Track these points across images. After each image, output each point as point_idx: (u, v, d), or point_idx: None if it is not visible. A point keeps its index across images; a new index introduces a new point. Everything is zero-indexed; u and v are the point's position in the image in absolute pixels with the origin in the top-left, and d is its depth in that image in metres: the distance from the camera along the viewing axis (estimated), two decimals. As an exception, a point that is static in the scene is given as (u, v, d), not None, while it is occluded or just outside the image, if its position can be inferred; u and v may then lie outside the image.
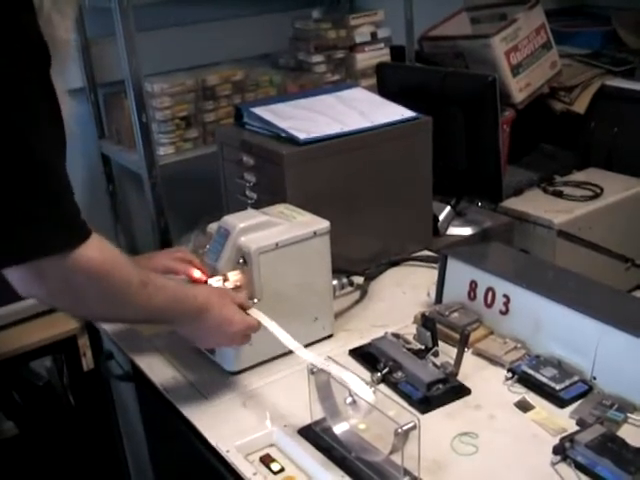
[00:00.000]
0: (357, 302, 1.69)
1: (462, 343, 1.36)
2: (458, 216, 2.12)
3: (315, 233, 1.43)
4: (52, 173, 1.05)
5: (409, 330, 1.50)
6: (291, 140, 1.66)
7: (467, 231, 2.09)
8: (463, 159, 2.05)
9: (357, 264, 1.75)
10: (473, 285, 1.49)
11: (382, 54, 2.69)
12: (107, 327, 1.64)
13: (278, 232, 1.41)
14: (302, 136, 1.65)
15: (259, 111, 1.76)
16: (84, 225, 1.08)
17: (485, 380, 1.36)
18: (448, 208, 2.08)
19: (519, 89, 2.70)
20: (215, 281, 1.40)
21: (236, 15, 2.68)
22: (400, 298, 1.69)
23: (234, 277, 1.40)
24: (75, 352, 1.84)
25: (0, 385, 2.10)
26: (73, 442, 2.00)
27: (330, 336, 1.54)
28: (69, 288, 1.10)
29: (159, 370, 1.47)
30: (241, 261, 1.37)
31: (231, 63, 2.50)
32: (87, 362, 1.89)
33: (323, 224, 1.45)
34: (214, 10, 2.63)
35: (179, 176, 2.29)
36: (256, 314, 1.34)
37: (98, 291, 1.11)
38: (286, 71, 2.56)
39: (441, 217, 2.06)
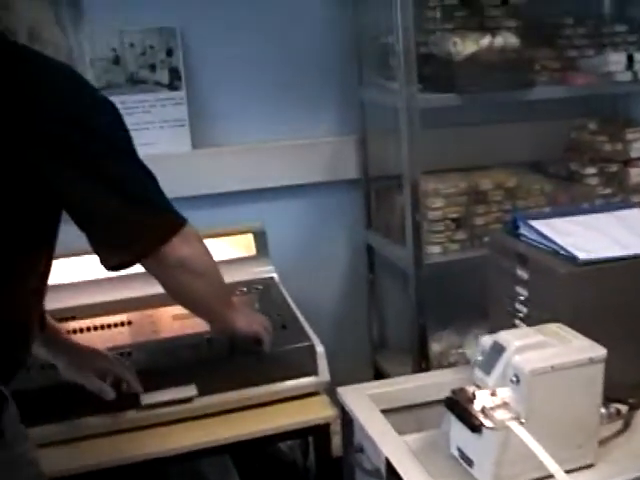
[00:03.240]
0: (619, 432, 1.61)
1: None
2: None
3: (591, 360, 1.39)
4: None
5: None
6: (569, 258, 1.64)
7: None
8: None
9: (621, 391, 1.67)
10: None
11: (655, 171, 2.60)
12: (362, 419, 1.66)
13: (553, 354, 1.39)
14: (582, 255, 1.62)
15: (537, 224, 1.75)
16: None
17: None
18: None
19: None
20: (482, 394, 1.39)
21: (512, 120, 2.70)
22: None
23: (503, 394, 1.38)
24: (325, 437, 1.87)
25: (247, 458, 2.19)
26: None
27: (591, 465, 1.48)
28: (193, 244, 1.47)
29: (413, 473, 1.47)
30: (514, 379, 1.36)
31: (501, 167, 2.51)
32: (334, 448, 1.92)
33: (600, 351, 1.41)
34: (490, 113, 2.66)
35: (441, 275, 2.31)
36: (521, 433, 1.33)
37: (205, 249, 1.52)
38: (557, 180, 2.53)
39: None
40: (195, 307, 1.62)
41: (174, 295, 1.56)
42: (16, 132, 1.26)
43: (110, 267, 1.42)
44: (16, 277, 1.35)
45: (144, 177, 1.39)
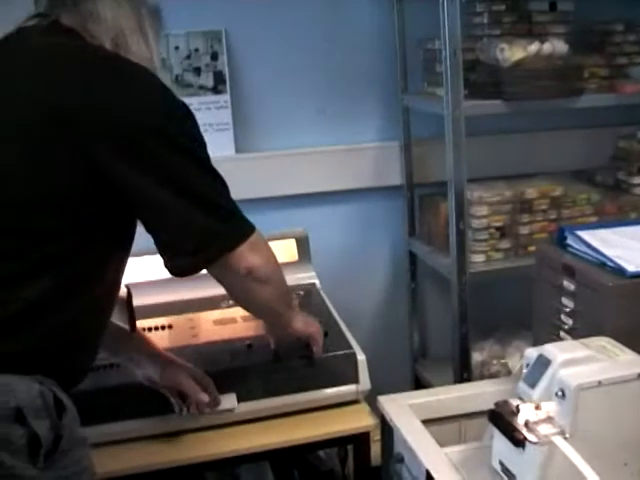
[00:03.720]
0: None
1: None
2: None
3: (639, 375, 1.36)
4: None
5: None
6: (617, 271, 1.60)
7: None
8: None
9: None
10: None
11: None
12: (403, 429, 1.64)
13: (600, 369, 1.35)
14: (630, 268, 1.59)
15: (585, 236, 1.72)
16: None
17: None
18: None
19: None
20: (526, 408, 1.37)
21: (558, 127, 2.67)
22: None
23: (547, 408, 1.36)
24: (365, 446, 1.85)
25: (284, 464, 2.18)
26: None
27: (637, 484, 1.45)
28: (260, 252, 1.44)
29: (454, 486, 1.45)
30: (559, 394, 1.33)
31: (546, 175, 2.48)
32: (373, 457, 1.90)
33: (648, 366, 1.37)
34: (537, 120, 2.64)
35: (484, 284, 2.28)
36: (566, 449, 1.30)
37: (272, 256, 1.50)
38: (604, 190, 2.49)
39: None
40: (258, 311, 1.64)
41: (238, 301, 1.58)
42: (95, 136, 1.27)
43: (174, 272, 1.42)
44: (84, 284, 1.35)
45: (216, 183, 1.39)
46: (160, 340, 1.94)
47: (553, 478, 1.34)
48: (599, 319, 1.59)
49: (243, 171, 2.44)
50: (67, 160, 1.27)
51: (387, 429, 1.75)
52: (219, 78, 2.41)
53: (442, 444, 1.59)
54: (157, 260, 2.15)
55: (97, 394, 1.73)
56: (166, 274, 2.13)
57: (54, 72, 1.30)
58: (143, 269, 2.11)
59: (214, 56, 2.39)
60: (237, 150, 2.47)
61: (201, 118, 2.36)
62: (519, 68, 2.16)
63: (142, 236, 2.21)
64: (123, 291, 1.61)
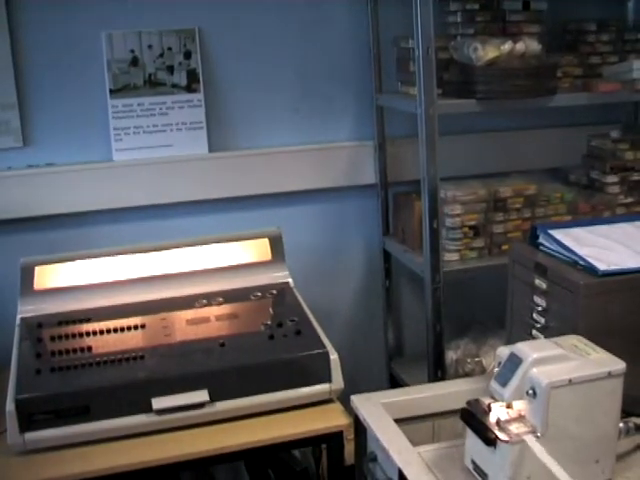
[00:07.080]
0: (638, 447, 1.58)
1: None
2: None
3: (610, 374, 1.37)
4: None
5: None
6: (589, 269, 1.61)
7: None
8: None
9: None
10: None
11: (680, 180, 2.56)
12: (375, 428, 1.65)
13: (572, 368, 1.36)
14: (602, 267, 1.60)
15: (558, 234, 1.73)
16: None
17: None
18: None
19: None
20: (497, 406, 1.37)
21: (532, 126, 2.68)
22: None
23: (519, 407, 1.36)
24: (339, 445, 1.85)
25: (259, 464, 2.18)
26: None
27: (608, 481, 1.46)
28: None
29: (426, 485, 1.45)
30: (530, 392, 1.34)
31: (520, 174, 2.49)
32: (347, 456, 1.90)
33: (619, 365, 1.38)
34: (511, 119, 2.65)
35: (458, 283, 2.28)
36: (536, 448, 1.31)
37: None
38: (578, 188, 2.50)
39: None
40: None
41: None
42: None
43: None
44: None
45: None
46: (133, 340, 1.93)
47: (525, 477, 1.35)
48: (571, 318, 1.60)
49: (216, 170, 2.43)
50: None
51: (360, 428, 1.75)
52: (192, 77, 2.39)
53: (415, 443, 1.59)
54: (130, 260, 2.14)
55: (68, 395, 1.73)
56: (139, 273, 2.14)
57: None
58: (116, 269, 2.10)
59: (187, 54, 2.38)
60: (210, 149, 2.45)
61: (174, 117, 2.40)
62: (492, 67, 2.16)
63: (114, 236, 2.21)
64: None
